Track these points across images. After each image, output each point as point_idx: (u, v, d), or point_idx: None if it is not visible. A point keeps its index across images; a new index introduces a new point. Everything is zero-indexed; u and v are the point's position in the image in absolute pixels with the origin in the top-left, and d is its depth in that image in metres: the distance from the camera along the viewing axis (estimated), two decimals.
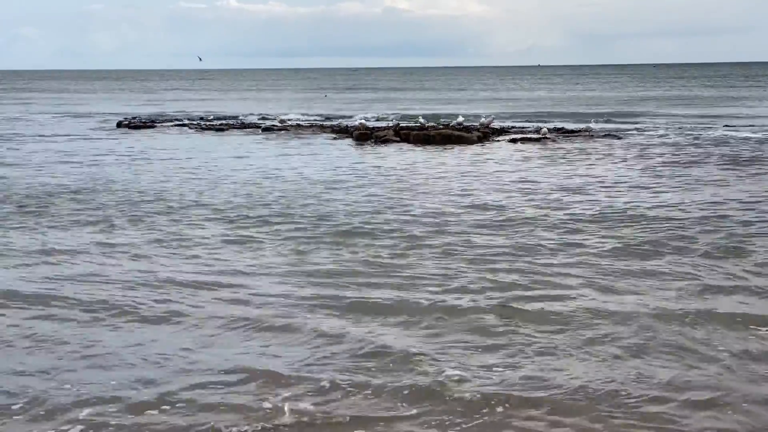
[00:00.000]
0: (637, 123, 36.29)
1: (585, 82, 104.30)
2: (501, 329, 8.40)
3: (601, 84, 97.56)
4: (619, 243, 12.09)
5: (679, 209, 14.82)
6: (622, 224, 13.53)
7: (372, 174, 20.32)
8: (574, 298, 9.44)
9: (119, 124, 38.15)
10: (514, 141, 28.89)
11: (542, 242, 12.29)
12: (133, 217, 14.68)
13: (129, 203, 16.25)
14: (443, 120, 35.23)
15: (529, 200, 16.19)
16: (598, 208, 15.06)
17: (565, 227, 13.38)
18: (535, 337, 8.18)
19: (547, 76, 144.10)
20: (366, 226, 13.60)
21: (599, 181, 18.60)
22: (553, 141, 28.47)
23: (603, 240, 12.40)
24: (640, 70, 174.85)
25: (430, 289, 9.84)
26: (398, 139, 29.78)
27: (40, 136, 33.15)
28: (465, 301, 9.34)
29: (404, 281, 10.20)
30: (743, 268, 10.62)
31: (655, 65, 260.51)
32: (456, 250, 11.77)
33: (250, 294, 9.78)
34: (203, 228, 13.74)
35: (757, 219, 13.84)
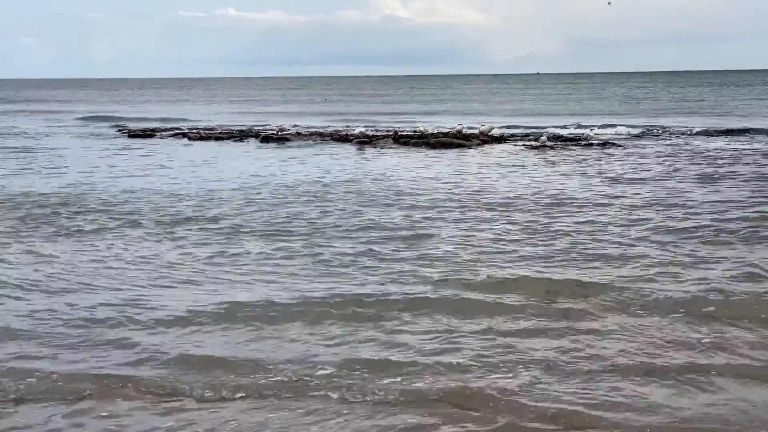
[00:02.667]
0: (639, 130, 36.27)
1: (584, 89, 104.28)
2: None
3: (601, 91, 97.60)
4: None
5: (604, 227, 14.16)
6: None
7: (366, 180, 20.37)
8: None
9: (120, 131, 38.73)
10: (514, 148, 28.92)
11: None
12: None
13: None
14: (443, 126, 35.30)
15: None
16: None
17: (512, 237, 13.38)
18: None
19: (548, 83, 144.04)
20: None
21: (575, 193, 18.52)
22: (552, 149, 28.49)
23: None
24: (641, 77, 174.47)
25: None
26: (397, 146, 29.90)
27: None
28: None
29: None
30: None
31: (650, 72, 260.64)
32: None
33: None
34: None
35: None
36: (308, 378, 7.36)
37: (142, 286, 10.56)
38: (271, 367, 7.61)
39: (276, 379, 7.37)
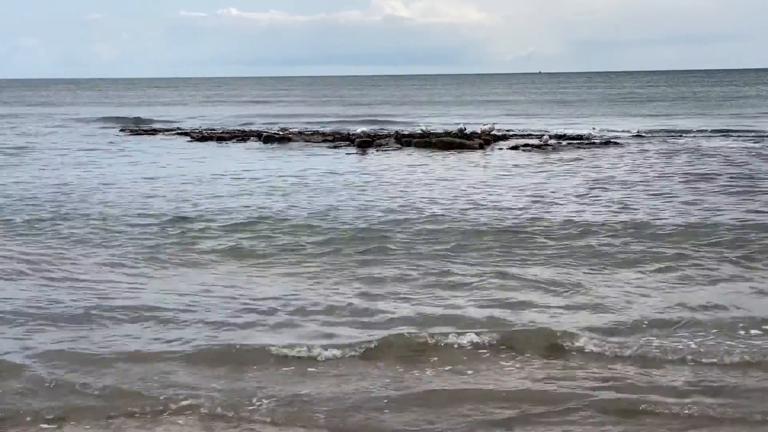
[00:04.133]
0: (641, 129, 36.22)
1: (586, 88, 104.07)
2: None
3: (602, 90, 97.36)
4: None
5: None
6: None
7: (365, 182, 20.36)
8: None
9: (122, 130, 38.97)
10: (515, 148, 28.85)
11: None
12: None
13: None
14: (445, 126, 35.24)
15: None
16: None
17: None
18: None
19: (550, 82, 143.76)
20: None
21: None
22: (554, 148, 28.43)
23: None
24: (643, 77, 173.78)
25: None
26: (399, 146, 29.83)
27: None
28: None
29: None
30: None
31: (652, 72, 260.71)
32: None
33: None
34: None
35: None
36: None
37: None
38: None
39: None
